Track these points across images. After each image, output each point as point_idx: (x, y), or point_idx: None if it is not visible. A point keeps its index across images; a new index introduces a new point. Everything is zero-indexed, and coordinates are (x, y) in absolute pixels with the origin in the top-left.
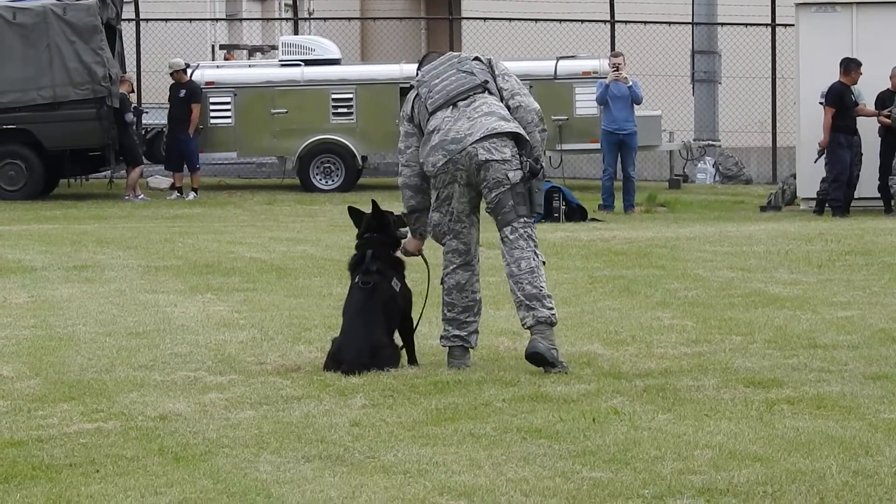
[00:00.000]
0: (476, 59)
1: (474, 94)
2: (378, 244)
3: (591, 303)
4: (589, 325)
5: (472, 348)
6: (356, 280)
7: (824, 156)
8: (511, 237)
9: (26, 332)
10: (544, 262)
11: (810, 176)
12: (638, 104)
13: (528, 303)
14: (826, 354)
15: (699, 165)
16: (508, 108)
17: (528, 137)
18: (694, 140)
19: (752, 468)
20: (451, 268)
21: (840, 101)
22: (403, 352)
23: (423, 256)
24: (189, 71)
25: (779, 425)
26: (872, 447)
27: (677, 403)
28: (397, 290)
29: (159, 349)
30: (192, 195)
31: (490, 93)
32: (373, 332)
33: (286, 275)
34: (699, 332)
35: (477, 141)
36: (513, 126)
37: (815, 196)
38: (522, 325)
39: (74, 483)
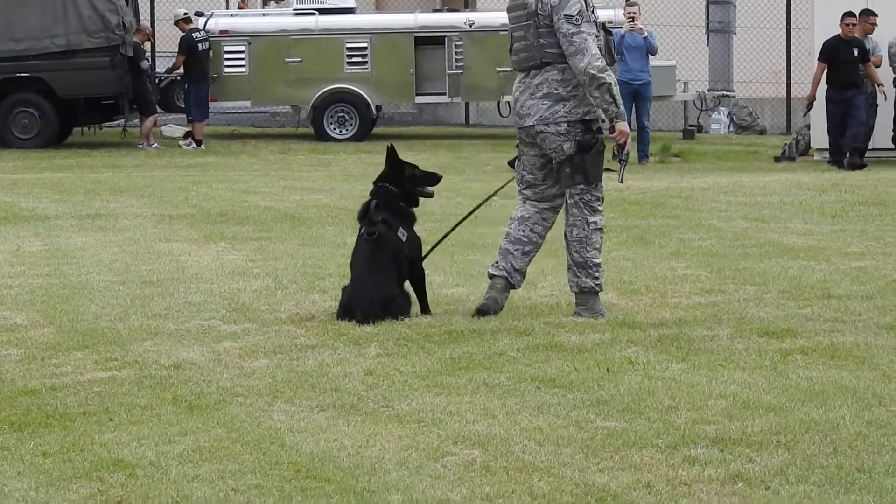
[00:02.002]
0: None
1: (539, 68)
2: (385, 194)
3: (606, 252)
4: (604, 274)
5: (512, 287)
6: (361, 231)
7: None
8: (569, 202)
9: (40, 281)
10: (602, 229)
11: (824, 126)
12: (653, 55)
13: (575, 269)
14: (840, 304)
15: (713, 116)
16: None
17: (588, 99)
18: (708, 90)
19: (765, 418)
20: (519, 202)
21: (832, 56)
22: (415, 301)
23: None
24: (202, 19)
25: (792, 375)
26: (886, 397)
27: (691, 353)
28: (404, 239)
29: (173, 298)
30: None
31: (551, 63)
32: (382, 283)
33: (300, 224)
34: (713, 281)
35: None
36: (573, 113)
37: (828, 146)
38: (570, 287)
39: (88, 431)
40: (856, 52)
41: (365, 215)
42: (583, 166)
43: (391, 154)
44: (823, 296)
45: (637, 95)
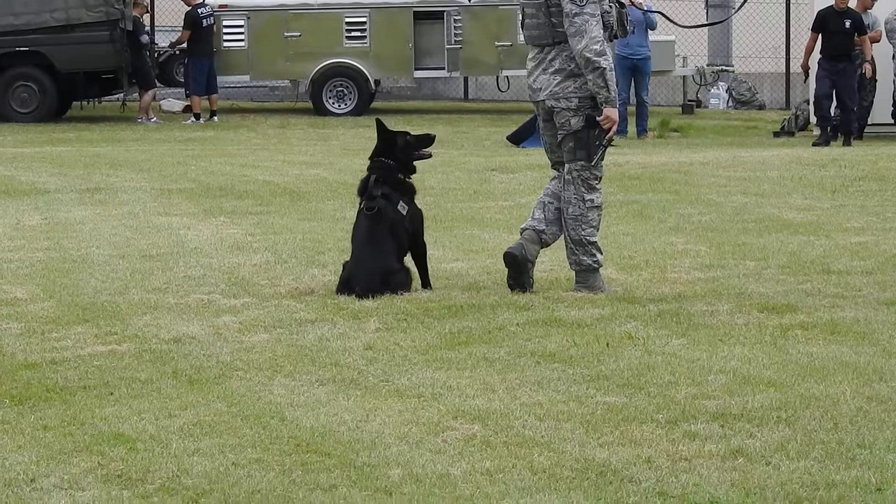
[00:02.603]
0: None
1: (553, 46)
2: (382, 168)
3: (605, 227)
4: (603, 249)
5: (544, 244)
6: (361, 206)
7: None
8: (567, 177)
9: (40, 255)
10: (599, 207)
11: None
12: (652, 30)
13: (572, 246)
14: (840, 280)
15: (712, 91)
16: None
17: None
18: (707, 65)
19: (765, 393)
20: (553, 175)
21: (823, 26)
22: (416, 275)
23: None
24: None
25: (792, 351)
26: (886, 372)
27: (691, 328)
28: (404, 213)
29: (173, 272)
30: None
31: (562, 42)
32: (382, 257)
33: (299, 198)
34: (713, 257)
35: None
36: (571, 89)
37: (814, 115)
38: (569, 265)
39: (88, 405)
40: (848, 24)
41: (364, 190)
42: (586, 142)
43: (380, 127)
44: (823, 271)
45: (636, 70)
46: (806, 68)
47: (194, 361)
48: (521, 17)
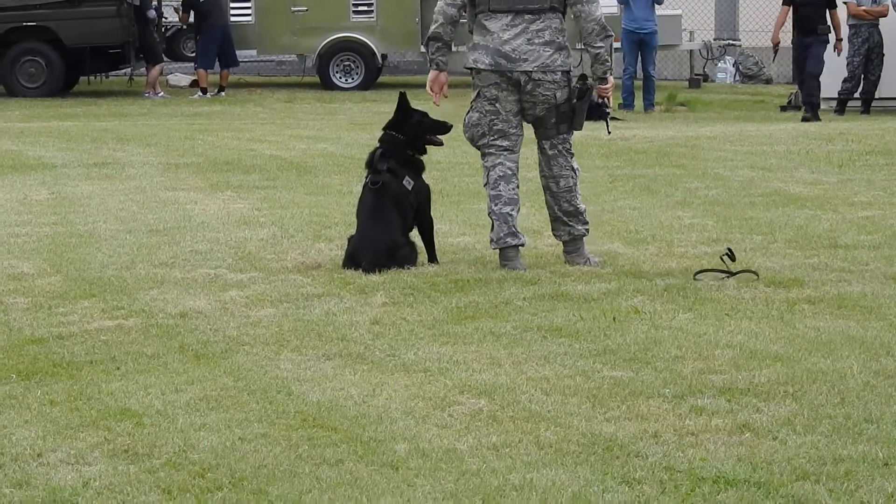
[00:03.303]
0: None
1: (542, 13)
2: (391, 142)
3: (612, 202)
4: (609, 223)
5: (522, 245)
6: (367, 179)
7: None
8: (550, 152)
9: (47, 229)
10: (578, 172)
11: (831, 75)
12: (659, 4)
13: (565, 218)
14: (847, 254)
15: (719, 65)
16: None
17: (587, 50)
18: (714, 39)
19: (772, 368)
20: (499, 159)
21: (789, 1)
22: (422, 249)
23: (440, 96)
24: None
25: (799, 325)
26: (893, 347)
27: (698, 303)
28: (409, 188)
29: (179, 246)
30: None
31: (556, 10)
32: (387, 231)
33: (306, 173)
34: (720, 231)
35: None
36: (566, 63)
37: (835, 96)
38: (555, 237)
39: (95, 380)
40: None
41: (371, 163)
42: (570, 115)
43: (401, 101)
44: (830, 245)
45: (643, 44)
46: (776, 42)
47: (201, 336)
48: None
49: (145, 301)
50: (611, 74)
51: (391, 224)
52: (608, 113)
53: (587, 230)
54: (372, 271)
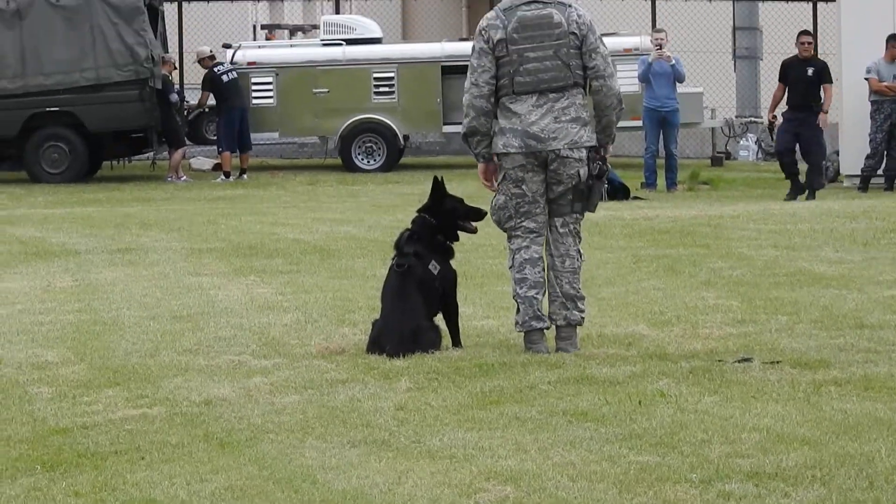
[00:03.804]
0: (574, 19)
1: (566, 90)
2: (421, 225)
3: (636, 282)
4: (634, 305)
5: (548, 329)
6: (392, 261)
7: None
8: (561, 230)
9: (71, 317)
10: (582, 256)
11: (854, 153)
12: (681, 82)
13: (564, 301)
14: (873, 334)
15: (741, 142)
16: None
17: (599, 119)
18: (736, 117)
19: (800, 451)
20: (525, 243)
21: (783, 77)
22: (446, 333)
23: (494, 184)
24: (230, 51)
25: (826, 407)
26: None
27: (724, 385)
28: (435, 273)
29: (203, 333)
30: (220, 177)
31: (578, 85)
32: (412, 315)
33: (329, 256)
34: (745, 311)
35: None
36: (591, 138)
37: (858, 173)
38: (551, 319)
39: (120, 470)
40: (811, 72)
41: (399, 245)
42: (588, 194)
43: (435, 185)
44: (856, 325)
45: (665, 122)
46: (772, 120)
47: (225, 424)
48: (514, 64)
49: (169, 389)
50: (610, 145)
51: (415, 308)
52: (607, 188)
53: (583, 318)
54: (396, 356)
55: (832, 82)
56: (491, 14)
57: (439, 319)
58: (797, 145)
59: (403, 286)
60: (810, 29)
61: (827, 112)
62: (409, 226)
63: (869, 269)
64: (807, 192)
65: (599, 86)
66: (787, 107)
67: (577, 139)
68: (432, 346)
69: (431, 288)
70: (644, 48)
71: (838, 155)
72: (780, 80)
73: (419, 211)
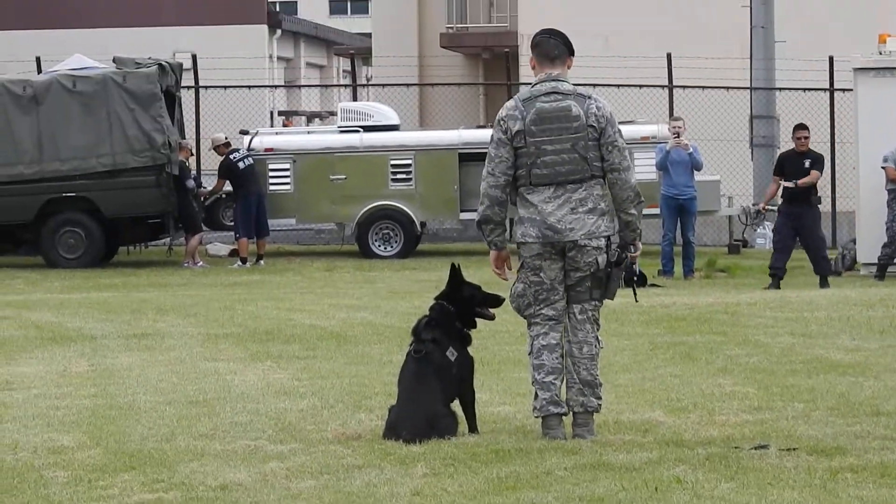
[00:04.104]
0: (594, 112)
1: (583, 182)
2: (440, 311)
3: (653, 369)
4: (650, 391)
5: (566, 415)
6: (410, 347)
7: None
8: (579, 317)
9: (87, 402)
10: (601, 343)
11: (871, 241)
12: (698, 170)
13: (581, 387)
14: (890, 422)
15: (758, 230)
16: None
17: (619, 216)
18: (753, 205)
19: None
20: (543, 330)
21: (781, 169)
22: (463, 419)
23: (507, 272)
24: (247, 137)
25: (843, 494)
26: None
27: (740, 472)
28: (452, 359)
29: (219, 418)
30: (236, 263)
31: (596, 177)
32: (429, 401)
33: (346, 342)
34: (761, 398)
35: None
36: (610, 227)
37: (875, 261)
38: (568, 405)
39: None
40: (807, 164)
41: (417, 331)
42: (606, 282)
43: (454, 272)
44: (873, 413)
45: (682, 210)
46: (764, 210)
47: None
48: (531, 156)
49: (185, 474)
50: (639, 241)
51: (432, 394)
52: (636, 280)
53: (600, 406)
54: (412, 442)
55: (822, 171)
56: (510, 104)
57: (456, 405)
58: (797, 238)
59: (420, 372)
60: (827, 114)
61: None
62: (427, 312)
63: (885, 357)
64: (819, 280)
65: (615, 179)
66: (782, 199)
67: (595, 229)
68: (449, 431)
69: (448, 374)
70: (662, 136)
71: (855, 243)
72: (775, 174)
73: (437, 298)
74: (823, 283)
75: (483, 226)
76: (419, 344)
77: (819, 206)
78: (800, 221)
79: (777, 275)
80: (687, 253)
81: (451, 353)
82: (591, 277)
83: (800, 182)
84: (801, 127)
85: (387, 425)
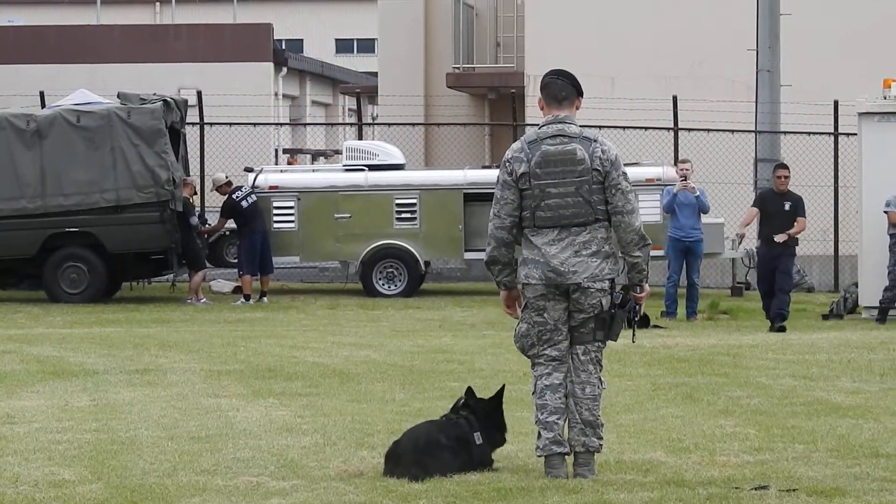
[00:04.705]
0: (598, 155)
1: (587, 225)
2: (477, 402)
3: (654, 410)
4: (652, 432)
5: (568, 454)
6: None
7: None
8: (582, 358)
9: (88, 436)
10: (604, 385)
11: (872, 284)
12: (705, 213)
13: (583, 427)
14: (889, 464)
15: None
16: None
17: (625, 258)
18: (756, 248)
19: None
20: (547, 370)
21: (760, 206)
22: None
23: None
24: (252, 175)
25: None
26: None
27: None
28: (477, 442)
29: (222, 454)
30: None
31: (600, 220)
32: (435, 430)
33: (349, 380)
34: (762, 440)
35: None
36: (614, 270)
37: (877, 305)
38: (570, 445)
39: None
40: (787, 206)
41: (455, 408)
42: (610, 323)
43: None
44: (872, 454)
45: (688, 252)
46: (741, 235)
47: None
48: (536, 198)
49: None
50: (646, 282)
51: (443, 429)
52: (636, 321)
53: (601, 446)
54: (408, 466)
55: (805, 216)
56: (516, 146)
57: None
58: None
59: (442, 424)
60: (831, 158)
61: (790, 235)
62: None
63: (885, 399)
64: (773, 319)
65: (619, 222)
66: (760, 240)
67: (598, 272)
68: (446, 462)
69: (467, 446)
70: (667, 178)
71: (857, 286)
72: (754, 205)
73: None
74: (778, 321)
75: (491, 266)
76: (452, 413)
77: (796, 246)
78: (778, 261)
79: (782, 314)
80: (691, 295)
81: (478, 437)
82: (594, 319)
83: (790, 232)
84: (781, 166)
85: (386, 454)
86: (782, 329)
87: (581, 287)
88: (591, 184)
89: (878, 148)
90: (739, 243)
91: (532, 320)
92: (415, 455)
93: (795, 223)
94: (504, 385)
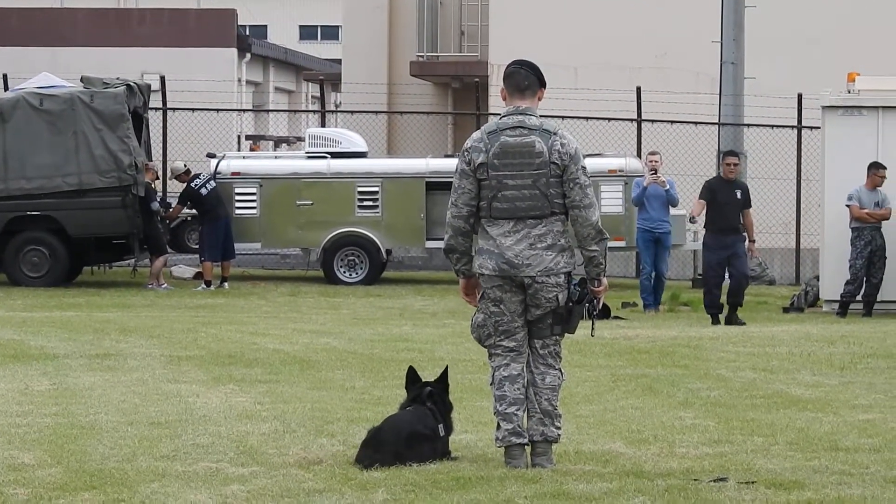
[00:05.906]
0: (557, 148)
1: (543, 218)
2: (440, 391)
3: (614, 401)
4: (611, 423)
5: (528, 444)
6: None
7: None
8: (541, 352)
9: (48, 420)
10: (563, 375)
11: (833, 278)
12: (674, 206)
13: (542, 417)
14: (847, 457)
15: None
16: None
17: (581, 252)
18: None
19: None
20: (504, 361)
21: (711, 197)
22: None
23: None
24: (214, 161)
25: None
26: None
27: None
28: (441, 434)
29: (181, 439)
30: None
31: (557, 213)
32: (416, 419)
33: (309, 367)
34: (721, 432)
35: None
36: (570, 264)
37: (838, 298)
38: (528, 434)
39: None
40: (738, 195)
41: (416, 399)
42: (567, 317)
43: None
44: (831, 448)
45: (658, 244)
46: (695, 215)
47: None
48: (493, 189)
49: (146, 494)
50: (604, 275)
51: (421, 419)
52: (595, 314)
53: (560, 436)
54: (388, 454)
55: (751, 207)
56: (476, 135)
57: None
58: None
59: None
60: (794, 151)
61: (755, 241)
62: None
63: (845, 393)
64: (729, 309)
65: (576, 216)
66: (710, 232)
67: (553, 266)
68: (428, 453)
69: (432, 434)
70: (629, 169)
71: (818, 280)
72: (701, 198)
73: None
74: (733, 313)
75: (449, 255)
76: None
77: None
78: (732, 250)
79: (717, 314)
80: (656, 286)
81: (442, 430)
82: (552, 314)
83: (750, 237)
84: (730, 153)
85: (362, 442)
86: (735, 321)
87: (536, 281)
88: (548, 177)
89: (841, 142)
90: (694, 222)
91: (489, 311)
92: (396, 445)
93: (743, 216)
94: (447, 367)
